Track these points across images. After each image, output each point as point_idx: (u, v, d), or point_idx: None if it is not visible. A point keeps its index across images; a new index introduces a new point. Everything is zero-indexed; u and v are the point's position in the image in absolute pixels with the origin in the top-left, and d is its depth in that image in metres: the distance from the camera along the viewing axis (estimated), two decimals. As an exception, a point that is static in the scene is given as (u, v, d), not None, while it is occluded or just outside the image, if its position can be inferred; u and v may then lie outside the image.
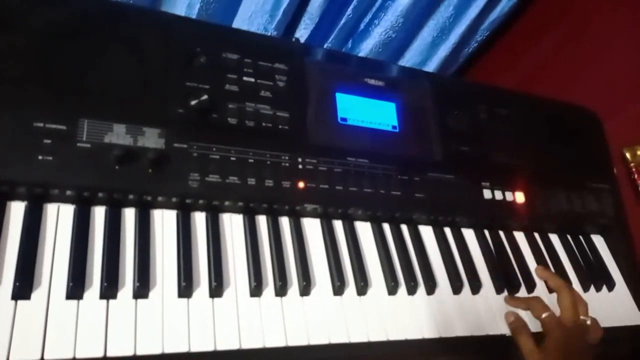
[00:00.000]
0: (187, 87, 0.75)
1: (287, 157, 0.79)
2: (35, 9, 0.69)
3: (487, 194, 0.93)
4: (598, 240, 1.08)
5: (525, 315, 0.85)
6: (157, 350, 0.61)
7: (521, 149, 1.03)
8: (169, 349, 0.62)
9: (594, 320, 0.85)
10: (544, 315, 0.82)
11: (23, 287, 0.59)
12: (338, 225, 0.83)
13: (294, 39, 1.17)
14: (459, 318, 0.81)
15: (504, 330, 0.83)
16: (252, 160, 0.76)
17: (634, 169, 1.12)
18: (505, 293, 0.88)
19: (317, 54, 0.96)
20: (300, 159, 0.80)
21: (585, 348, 0.81)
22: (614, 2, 1.24)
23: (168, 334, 0.63)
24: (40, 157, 0.63)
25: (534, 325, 0.83)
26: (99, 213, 0.68)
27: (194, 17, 1.11)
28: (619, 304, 0.99)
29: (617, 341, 0.94)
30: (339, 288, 0.75)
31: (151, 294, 0.65)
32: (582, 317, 0.83)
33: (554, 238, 1.03)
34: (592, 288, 0.98)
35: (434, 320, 0.79)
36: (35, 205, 0.65)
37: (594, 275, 1.00)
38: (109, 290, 0.62)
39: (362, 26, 1.31)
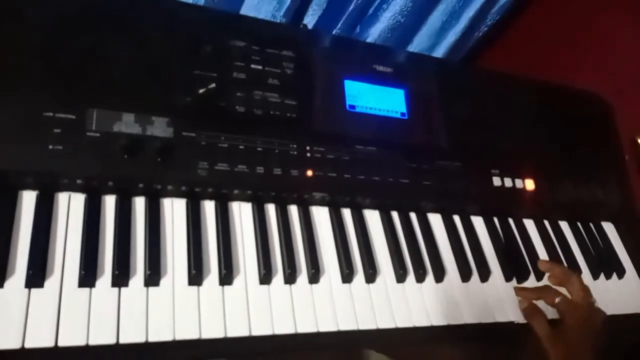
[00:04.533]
0: (195, 75, 0.75)
1: (295, 146, 0.79)
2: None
3: (496, 181, 0.93)
4: (608, 228, 1.07)
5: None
6: (168, 337, 0.62)
7: (531, 136, 1.02)
8: (180, 336, 0.62)
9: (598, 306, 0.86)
10: (557, 300, 0.82)
11: (36, 276, 0.60)
12: (346, 213, 0.83)
13: (301, 26, 1.17)
14: (467, 306, 0.81)
15: (513, 317, 0.83)
16: (260, 149, 0.76)
17: (645, 156, 1.11)
18: (514, 281, 0.88)
19: (325, 40, 0.95)
20: (308, 147, 0.80)
21: (599, 327, 0.82)
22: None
23: (179, 321, 0.63)
24: (50, 147, 0.63)
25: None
26: (109, 202, 0.69)
27: (201, 4, 1.10)
28: (629, 292, 0.99)
29: (627, 328, 0.94)
30: (347, 276, 0.76)
31: (162, 281, 0.66)
32: (591, 300, 0.84)
33: (564, 225, 1.03)
34: (602, 276, 0.98)
35: (442, 307, 0.79)
36: (46, 195, 0.65)
37: (604, 262, 1.00)
38: (121, 278, 0.63)
39: (370, 11, 1.30)
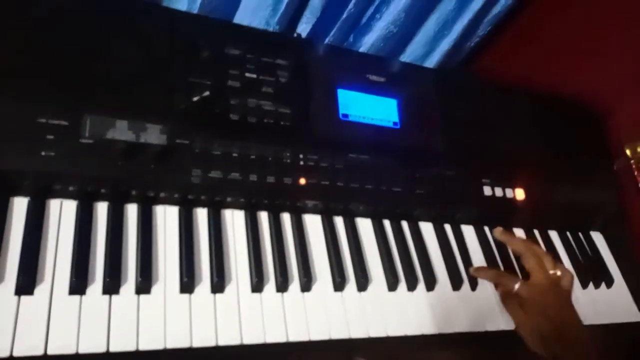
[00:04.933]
0: (189, 82, 0.75)
1: (288, 153, 0.79)
2: (38, 3, 0.69)
3: (487, 190, 0.93)
4: (597, 237, 1.09)
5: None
6: (159, 346, 0.62)
7: (521, 146, 1.03)
8: (171, 344, 0.62)
9: (562, 268, 0.85)
10: (516, 287, 0.82)
11: (26, 283, 0.59)
12: (339, 221, 0.83)
13: (295, 35, 1.17)
14: (458, 314, 0.82)
15: (503, 326, 0.84)
16: (253, 156, 0.76)
17: (634, 166, 1.12)
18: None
19: (319, 49, 0.95)
20: (301, 155, 0.80)
21: (563, 299, 0.82)
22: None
23: (170, 329, 0.63)
24: (43, 153, 0.63)
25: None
26: (101, 209, 0.68)
27: (195, 11, 1.10)
28: (618, 301, 1.00)
29: (615, 338, 0.94)
30: (339, 284, 0.76)
31: (153, 289, 0.65)
32: (551, 272, 0.84)
33: (554, 235, 1.04)
34: (591, 285, 0.98)
35: (434, 316, 0.80)
36: (38, 201, 0.65)
37: (593, 272, 1.00)
38: (112, 285, 0.63)
39: (364, 20, 1.30)
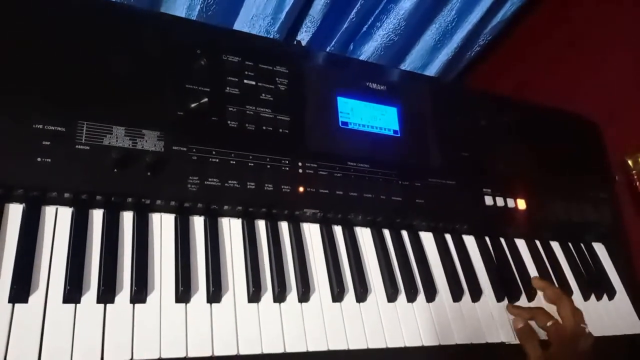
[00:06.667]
0: (187, 89, 0.75)
1: (287, 161, 0.78)
2: (35, 10, 0.68)
3: (488, 200, 0.93)
4: (599, 248, 1.08)
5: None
6: (154, 356, 0.61)
7: (522, 156, 1.03)
8: (167, 354, 0.61)
9: (587, 328, 0.85)
10: (549, 324, 0.83)
11: (20, 291, 0.58)
12: (338, 230, 0.83)
13: (295, 42, 1.17)
14: (458, 326, 0.81)
15: (504, 338, 0.83)
16: (252, 164, 0.75)
17: (635, 177, 1.12)
18: (506, 301, 0.88)
19: (318, 57, 0.95)
20: (300, 163, 0.79)
21: (587, 353, 0.82)
22: (613, 10, 1.23)
23: (165, 339, 0.62)
24: (38, 159, 0.62)
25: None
26: (97, 216, 0.67)
27: (194, 18, 1.10)
28: (620, 313, 0.98)
29: (617, 350, 0.93)
30: (338, 294, 0.75)
31: (149, 298, 0.64)
32: (582, 325, 0.84)
33: (555, 245, 1.03)
34: (593, 297, 0.97)
35: (434, 327, 0.78)
36: (33, 208, 0.64)
37: (595, 283, 1.00)
38: (107, 294, 0.62)
39: (364, 29, 1.31)
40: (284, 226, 0.79)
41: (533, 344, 0.81)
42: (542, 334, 0.83)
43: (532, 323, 0.85)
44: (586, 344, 0.83)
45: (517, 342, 0.83)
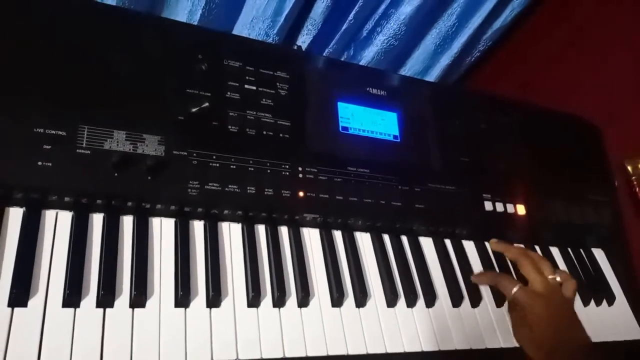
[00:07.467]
0: (188, 94, 0.75)
1: (287, 166, 0.78)
2: (36, 14, 0.69)
3: (488, 205, 0.93)
4: (598, 254, 1.08)
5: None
6: (153, 360, 0.60)
7: (522, 160, 1.03)
8: (166, 359, 0.61)
9: (563, 274, 0.84)
10: (514, 291, 0.81)
11: (20, 295, 0.58)
12: (338, 235, 0.83)
13: (295, 47, 1.17)
14: (458, 331, 0.81)
15: (504, 344, 0.82)
16: (252, 169, 0.75)
17: (634, 182, 1.12)
18: (506, 307, 0.87)
19: (319, 62, 0.95)
20: (300, 168, 0.79)
21: (564, 305, 0.80)
22: (614, 11, 1.24)
23: (164, 343, 0.62)
24: (39, 163, 0.62)
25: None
26: (97, 220, 0.68)
27: (195, 22, 1.11)
28: (619, 318, 0.98)
29: (617, 355, 0.93)
30: (337, 299, 0.75)
31: (148, 303, 0.64)
32: (550, 277, 0.82)
33: (555, 251, 1.03)
34: (593, 302, 0.97)
35: (433, 333, 0.78)
36: (33, 212, 0.64)
37: (595, 289, 0.99)
38: (106, 298, 0.62)
39: (364, 33, 1.31)
40: (283, 231, 0.79)
41: (514, 313, 0.79)
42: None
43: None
44: (566, 293, 0.80)
45: (517, 345, 0.82)
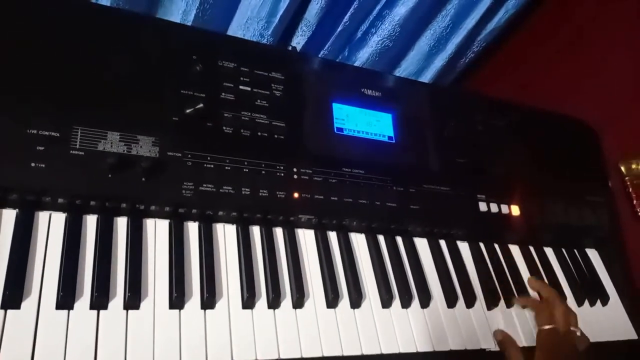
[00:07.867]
0: (183, 95, 0.75)
1: (282, 167, 0.78)
2: (31, 15, 0.68)
3: (482, 206, 0.93)
4: (593, 254, 1.08)
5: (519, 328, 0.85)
6: (147, 362, 0.60)
7: (517, 161, 1.03)
8: (160, 361, 0.61)
9: (582, 332, 0.86)
10: (546, 327, 0.83)
11: (13, 296, 0.58)
12: (332, 236, 0.83)
13: (290, 48, 1.17)
14: (452, 331, 0.81)
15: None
16: (246, 170, 0.75)
17: (629, 183, 1.12)
18: (501, 306, 0.87)
19: (314, 63, 0.95)
20: (295, 169, 0.79)
21: (573, 355, 0.82)
22: (611, 14, 1.24)
23: (159, 345, 0.62)
24: (32, 164, 0.62)
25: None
26: (90, 222, 0.67)
27: (190, 23, 1.10)
28: (613, 319, 0.99)
29: (611, 356, 0.94)
30: (332, 300, 0.75)
31: (142, 304, 0.64)
32: (572, 328, 0.84)
33: (549, 251, 1.03)
34: (587, 302, 0.98)
35: (428, 333, 0.78)
36: (26, 213, 0.64)
37: (589, 289, 1.00)
38: (100, 300, 0.62)
39: (359, 34, 1.31)
40: (278, 232, 0.79)
41: (514, 349, 0.81)
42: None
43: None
44: (581, 345, 0.84)
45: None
